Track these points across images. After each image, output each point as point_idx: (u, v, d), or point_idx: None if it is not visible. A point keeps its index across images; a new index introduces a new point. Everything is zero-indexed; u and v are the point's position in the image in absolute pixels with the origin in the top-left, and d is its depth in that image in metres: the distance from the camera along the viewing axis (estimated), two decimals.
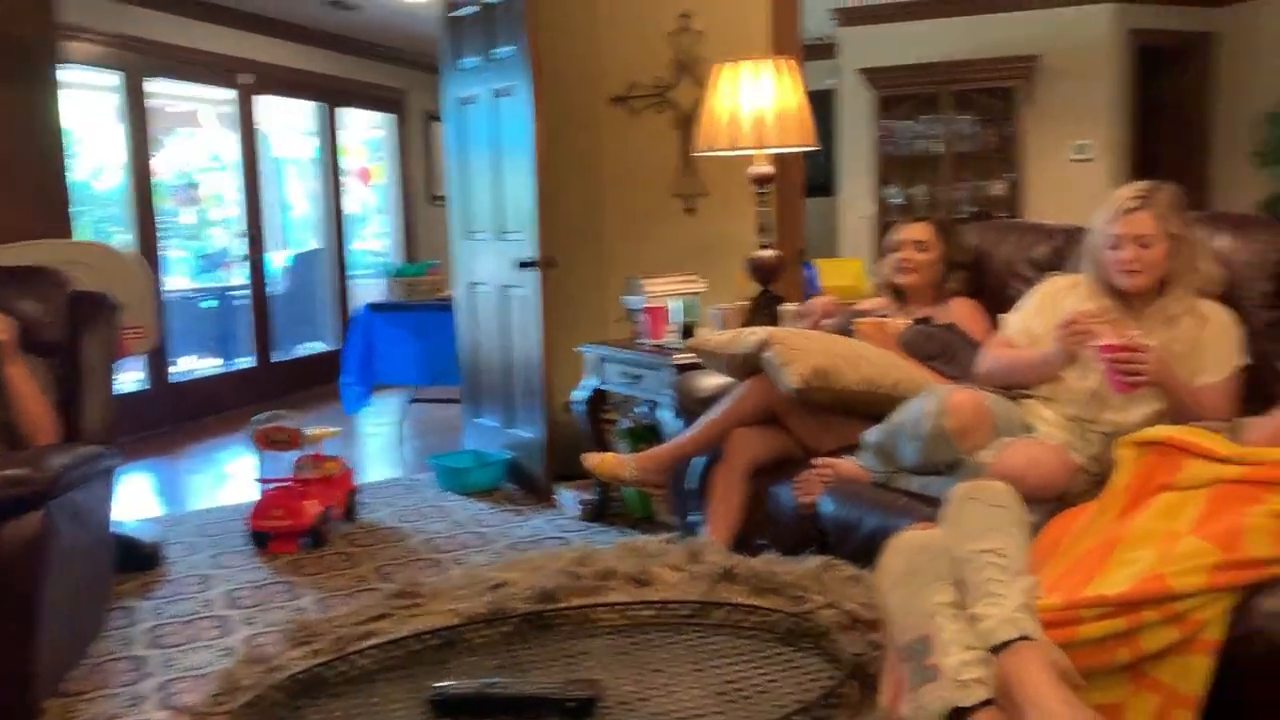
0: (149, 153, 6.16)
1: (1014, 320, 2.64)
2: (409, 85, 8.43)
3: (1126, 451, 1.98)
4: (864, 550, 1.81)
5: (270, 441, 3.83)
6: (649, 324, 3.79)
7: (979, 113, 7.19)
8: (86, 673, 2.77)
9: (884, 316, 3.03)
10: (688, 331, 3.59)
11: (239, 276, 7.15)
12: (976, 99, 7.16)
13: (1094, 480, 2.16)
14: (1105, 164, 6.87)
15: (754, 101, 3.45)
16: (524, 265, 4.13)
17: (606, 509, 4.00)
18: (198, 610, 3.23)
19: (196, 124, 7.39)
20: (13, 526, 2.29)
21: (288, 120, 7.83)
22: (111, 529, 3.03)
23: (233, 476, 5.05)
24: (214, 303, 7.34)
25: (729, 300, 3.78)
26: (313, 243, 7.99)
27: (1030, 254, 2.94)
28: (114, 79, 5.98)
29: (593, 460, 3.03)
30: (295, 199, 8.26)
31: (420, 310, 5.52)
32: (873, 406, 2.61)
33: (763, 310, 3.60)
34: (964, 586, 1.33)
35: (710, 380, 3.07)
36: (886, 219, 6.85)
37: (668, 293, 3.84)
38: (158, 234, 6.26)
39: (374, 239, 8.95)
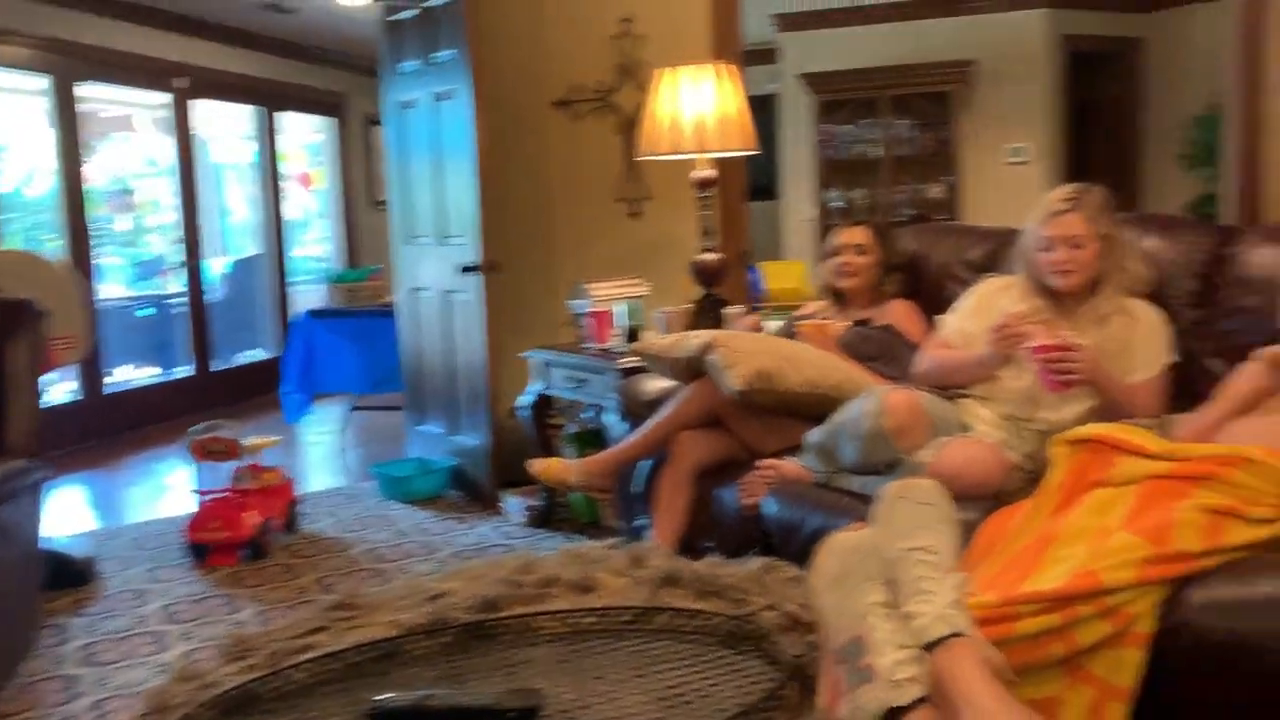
0: (81, 158, 6.02)
1: (950, 321, 2.68)
2: (349, 89, 8.34)
3: (1060, 449, 2.02)
4: (807, 550, 1.82)
5: (207, 452, 3.76)
6: (594, 328, 3.78)
7: (917, 117, 7.28)
8: (16, 693, 2.69)
9: (825, 319, 3.06)
10: (632, 335, 3.59)
11: (176, 284, 7.02)
12: (915, 103, 7.26)
13: (1029, 478, 2.20)
14: (1040, 167, 7.00)
15: (695, 106, 3.47)
16: (466, 270, 4.10)
17: (553, 515, 3.98)
18: (132, 626, 3.16)
19: (131, 129, 7.23)
20: None
21: (227, 125, 7.70)
22: (41, 545, 2.95)
23: (171, 488, 4.95)
24: (151, 311, 7.19)
25: (674, 303, 3.79)
26: (252, 249, 7.87)
27: (966, 256, 2.98)
28: (43, 83, 5.84)
29: (538, 466, 3.02)
30: (235, 204, 8.12)
31: (362, 316, 5.46)
32: (815, 408, 2.63)
33: (706, 313, 3.61)
34: (896, 585, 1.34)
35: (655, 384, 3.07)
36: (828, 222, 6.90)
37: (612, 296, 3.83)
38: (91, 241, 6.11)
39: (315, 244, 8.83)
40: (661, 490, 2.82)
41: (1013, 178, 6.97)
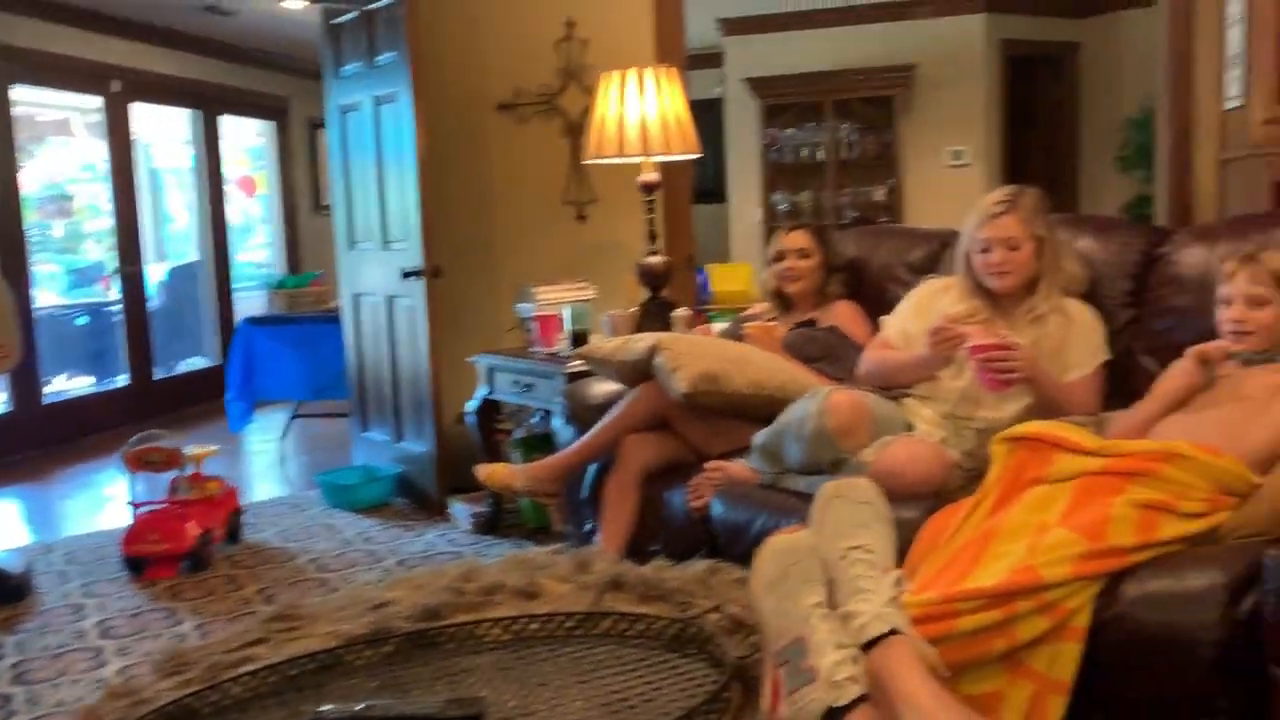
0: (16, 163, 5.87)
1: (892, 322, 2.71)
2: (291, 92, 8.23)
3: (999, 447, 2.05)
4: (754, 551, 1.83)
5: (145, 462, 3.68)
6: (541, 332, 3.77)
7: (860, 121, 7.36)
8: None
9: (769, 320, 3.08)
10: (579, 339, 3.58)
11: (116, 291, 6.87)
12: (857, 107, 7.33)
13: (970, 476, 2.23)
14: (979, 169, 7.11)
15: (639, 110, 3.48)
16: (409, 275, 4.07)
17: (501, 521, 3.96)
18: (68, 643, 3.08)
19: (70, 133, 7.08)
20: None
21: (167, 129, 7.56)
22: None
23: (109, 500, 4.84)
24: (87, 319, 7.03)
25: (621, 307, 3.79)
26: (194, 255, 7.73)
27: (906, 258, 3.02)
28: None
29: (483, 472, 2.99)
30: (176, 210, 7.98)
31: (304, 323, 5.39)
32: (761, 409, 2.64)
33: (653, 316, 3.62)
34: (834, 585, 1.35)
35: (602, 388, 3.06)
36: (773, 225, 6.95)
37: (559, 300, 3.82)
38: (27, 248, 5.96)
39: (258, 250, 8.71)
40: (608, 494, 2.81)
41: (953, 180, 7.07)
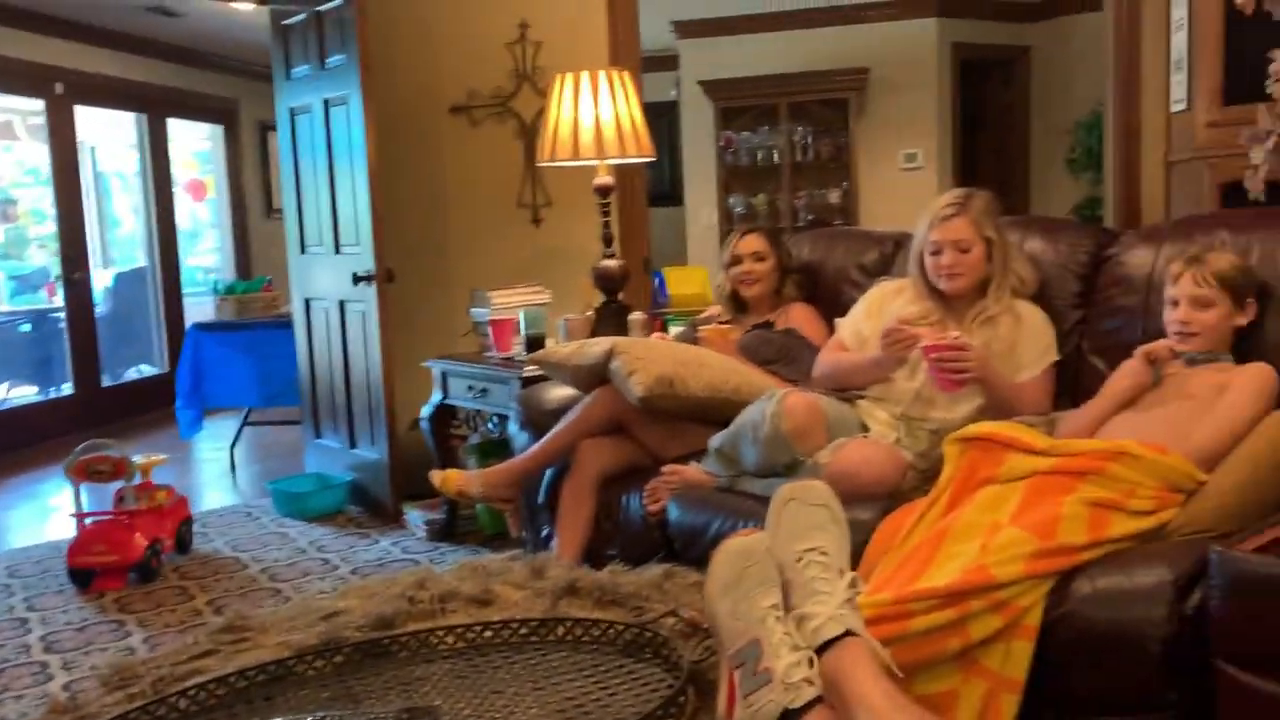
0: None
1: (846, 325, 2.73)
2: (241, 94, 8.12)
3: (951, 448, 2.07)
4: (710, 555, 1.82)
5: (91, 472, 3.60)
6: (495, 336, 3.74)
7: (815, 124, 7.40)
8: None
9: (725, 323, 3.09)
10: (534, 343, 3.56)
11: (61, 298, 6.73)
12: (812, 110, 7.38)
13: (923, 476, 2.25)
14: (933, 172, 7.18)
15: (593, 113, 3.47)
16: (361, 279, 4.02)
17: (456, 528, 3.92)
18: (11, 658, 3.00)
19: (12, 136, 6.93)
20: None
21: (112, 132, 7.43)
22: None
23: (55, 511, 4.74)
24: (31, 326, 6.88)
25: (577, 310, 3.78)
26: (142, 260, 7.60)
27: (860, 260, 3.04)
28: None
29: (437, 477, 2.96)
30: (123, 214, 7.84)
31: (254, 329, 5.31)
32: (717, 412, 2.64)
33: (609, 320, 3.61)
34: (790, 588, 1.35)
35: (557, 392, 3.05)
36: (729, 228, 6.97)
37: (514, 304, 3.80)
38: None
39: (208, 255, 8.58)
40: (565, 499, 2.80)
41: (907, 183, 7.14)
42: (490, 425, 3.98)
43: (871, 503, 2.14)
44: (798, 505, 1.42)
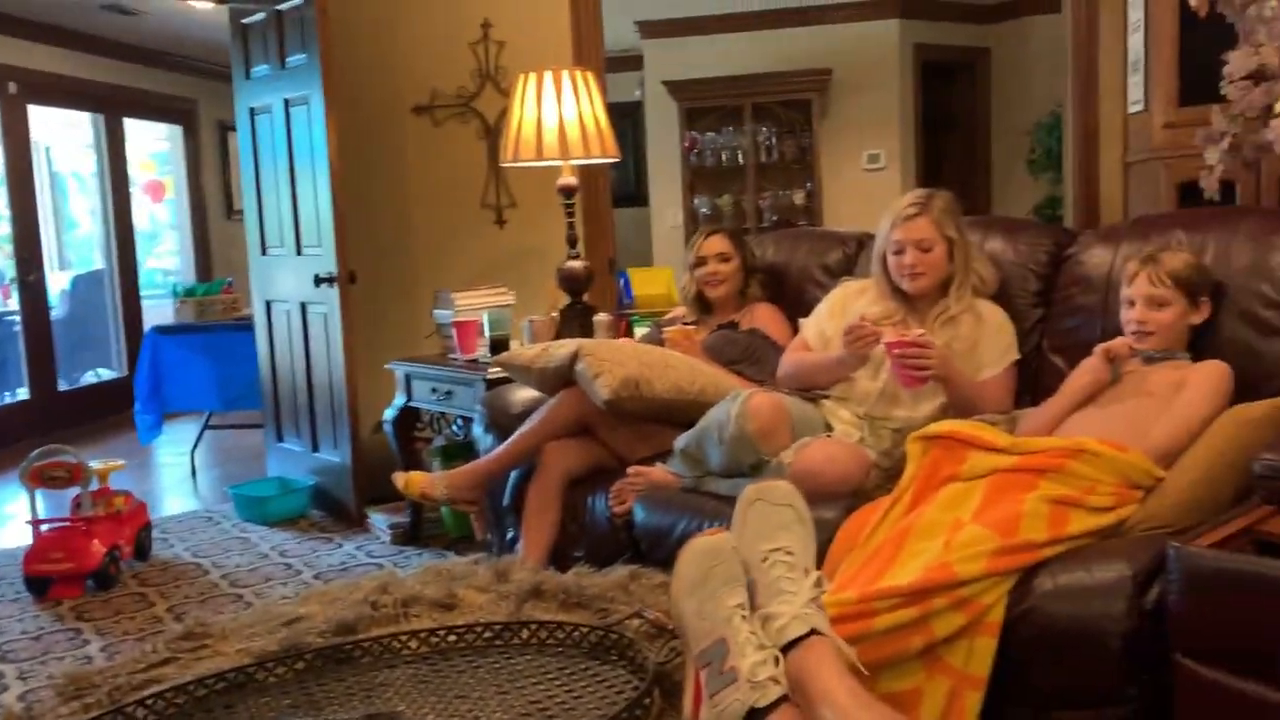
0: None
1: (810, 325, 2.74)
2: (200, 94, 8.02)
3: (914, 446, 2.08)
4: (676, 556, 1.82)
5: (46, 479, 3.54)
6: (459, 338, 3.71)
7: (778, 124, 7.43)
8: None
9: (689, 324, 3.09)
10: (498, 345, 3.54)
11: (16, 300, 6.60)
12: (776, 111, 7.40)
13: (887, 475, 2.26)
14: (896, 172, 7.23)
15: (556, 113, 3.45)
16: (322, 281, 3.99)
17: (421, 531, 3.90)
18: None
19: None
20: None
21: (68, 132, 7.30)
22: None
23: (10, 519, 4.65)
24: None
25: (541, 312, 3.76)
26: (99, 262, 7.48)
27: (824, 260, 3.05)
28: None
29: (401, 479, 2.94)
30: (79, 216, 7.71)
31: (215, 331, 5.25)
32: (683, 414, 2.64)
33: (573, 321, 3.60)
34: (755, 587, 1.35)
35: (522, 394, 3.03)
36: (695, 228, 6.97)
37: (478, 306, 3.77)
38: None
39: (167, 257, 8.46)
40: (530, 502, 2.79)
41: (870, 183, 7.18)
42: (455, 428, 3.96)
43: (835, 502, 2.15)
44: (763, 505, 1.42)
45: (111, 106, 7.23)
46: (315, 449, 4.31)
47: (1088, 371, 2.24)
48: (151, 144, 8.20)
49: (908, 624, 1.71)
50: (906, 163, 7.31)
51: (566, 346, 2.79)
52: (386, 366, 3.93)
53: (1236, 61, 2.41)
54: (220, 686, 1.54)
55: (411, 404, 3.86)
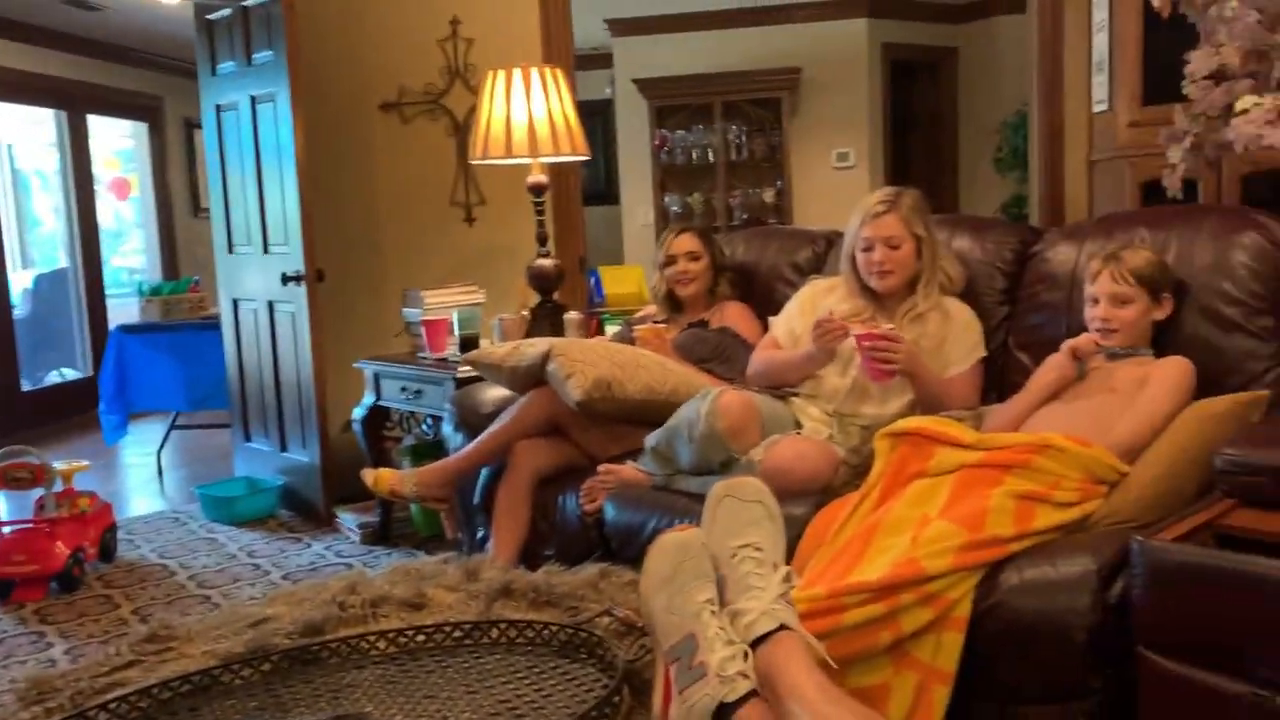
0: None
1: (780, 323, 2.75)
2: (165, 91, 7.93)
3: (882, 443, 2.09)
4: (647, 553, 1.83)
5: (9, 480, 3.49)
6: (429, 337, 3.69)
7: (748, 123, 7.45)
8: None
9: (660, 323, 3.09)
10: (468, 344, 3.52)
11: None
12: (746, 109, 7.42)
13: (855, 472, 2.27)
14: (865, 171, 7.27)
15: (525, 110, 3.44)
16: (290, 279, 3.95)
17: (391, 531, 3.87)
18: None
19: None
20: None
21: (32, 130, 7.20)
22: None
23: None
24: None
25: (512, 310, 3.75)
26: (63, 261, 7.38)
27: (794, 259, 3.06)
28: None
29: (370, 477, 2.92)
30: (43, 214, 7.61)
31: (181, 330, 5.19)
32: (654, 414, 2.63)
33: (544, 320, 3.59)
34: (724, 583, 1.36)
35: (492, 393, 3.02)
36: (665, 226, 6.98)
37: (448, 304, 3.76)
38: None
39: (133, 255, 8.36)
40: (500, 501, 2.78)
41: (839, 182, 7.21)
42: (424, 427, 3.94)
43: (805, 498, 2.16)
44: (733, 501, 1.43)
45: (75, 103, 7.12)
46: (283, 448, 4.28)
47: (1053, 368, 2.26)
48: (116, 141, 8.10)
49: (876, 619, 1.72)
50: (875, 161, 7.34)
51: (538, 346, 2.79)
52: (355, 365, 3.90)
53: (1198, 61, 2.45)
54: (185, 689, 1.52)
55: (381, 403, 3.84)
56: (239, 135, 4.30)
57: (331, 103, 4.26)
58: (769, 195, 7.42)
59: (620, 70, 7.61)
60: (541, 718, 1.37)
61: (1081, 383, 2.24)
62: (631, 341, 2.98)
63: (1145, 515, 1.88)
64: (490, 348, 3.03)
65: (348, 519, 3.95)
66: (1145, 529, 1.76)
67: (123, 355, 5.15)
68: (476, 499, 2.90)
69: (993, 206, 7.32)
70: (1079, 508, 1.92)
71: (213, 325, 4.77)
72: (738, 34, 7.31)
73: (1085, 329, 2.29)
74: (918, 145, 7.96)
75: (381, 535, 3.84)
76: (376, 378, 3.81)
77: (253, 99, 4.16)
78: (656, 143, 7.46)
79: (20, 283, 6.95)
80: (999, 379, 2.52)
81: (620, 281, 5.82)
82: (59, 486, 3.57)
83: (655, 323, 3.09)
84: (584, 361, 2.66)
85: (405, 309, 3.88)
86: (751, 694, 1.26)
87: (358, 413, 3.88)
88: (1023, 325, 2.56)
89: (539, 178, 3.59)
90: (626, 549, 2.39)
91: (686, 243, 3.08)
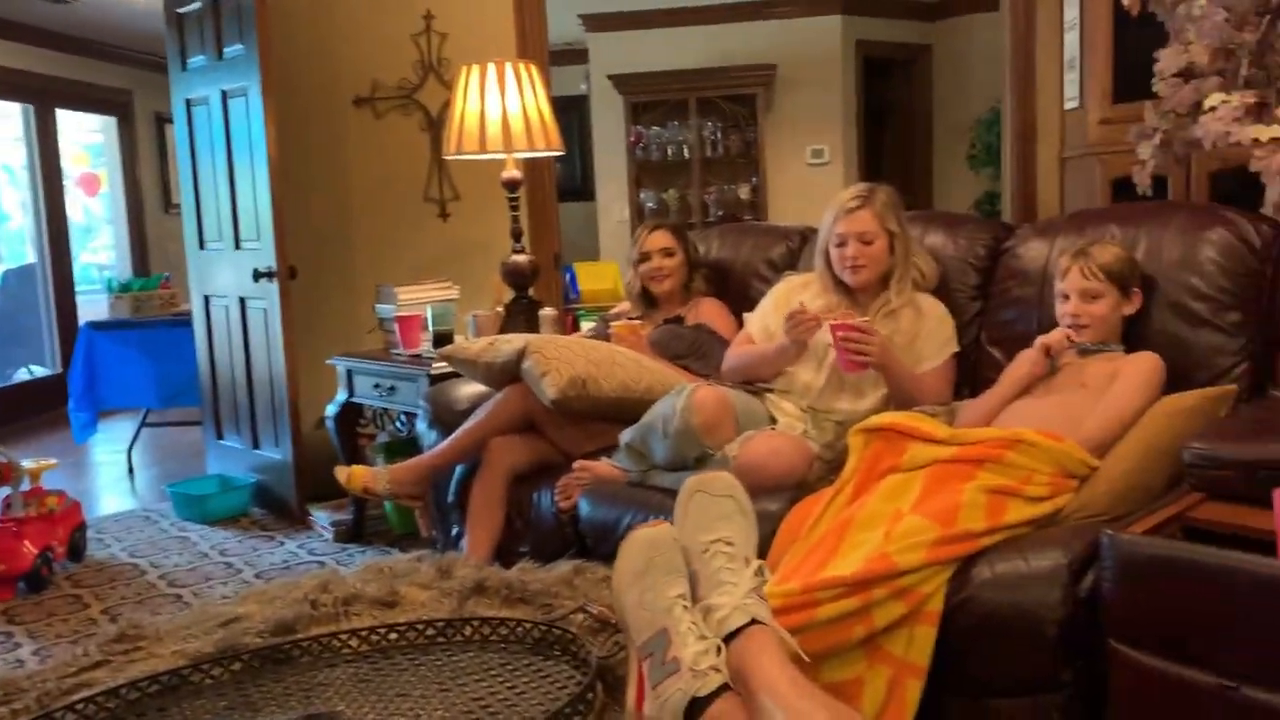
0: None
1: (754, 319, 2.75)
2: (135, 85, 7.84)
3: (856, 438, 2.10)
4: (619, 549, 1.82)
5: None
6: (402, 333, 3.67)
7: (723, 119, 7.45)
8: None
9: (635, 319, 3.08)
10: (441, 340, 3.50)
11: None
12: (721, 105, 7.43)
13: (829, 467, 2.28)
14: (839, 168, 7.29)
15: (500, 105, 3.43)
16: (261, 276, 3.92)
17: (364, 529, 3.85)
18: None
19: None
20: None
21: (0, 124, 7.10)
22: None
23: None
24: None
25: (486, 306, 3.74)
26: (31, 257, 7.29)
27: (768, 255, 3.07)
28: None
29: (343, 474, 2.90)
30: (10, 209, 7.51)
31: (152, 327, 5.14)
32: (629, 411, 2.63)
33: (519, 316, 3.58)
34: (697, 579, 1.36)
35: (466, 390, 3.01)
36: (641, 223, 6.97)
37: (421, 300, 3.73)
38: None
39: (102, 251, 8.27)
40: (475, 498, 2.77)
41: (814, 178, 7.23)
42: (398, 424, 3.92)
43: (779, 494, 2.17)
44: (704, 496, 1.43)
45: (43, 97, 7.03)
46: (256, 446, 4.24)
47: (1025, 363, 2.27)
48: (85, 136, 8.00)
49: (849, 614, 1.73)
50: (849, 158, 7.37)
51: (514, 342, 2.77)
52: (328, 362, 3.88)
53: (1167, 59, 2.47)
54: (154, 689, 1.50)
55: (354, 400, 3.81)
56: (210, 130, 4.25)
57: (303, 97, 4.23)
58: (744, 191, 7.43)
59: (595, 66, 7.60)
60: (515, 715, 1.36)
61: (1053, 378, 2.25)
62: (607, 338, 2.98)
63: (1115, 509, 1.90)
64: (466, 343, 3.02)
65: (321, 517, 3.92)
66: (1115, 523, 1.77)
67: (92, 352, 5.09)
68: (451, 496, 2.89)
69: (966, 203, 7.36)
70: (1050, 502, 1.93)
71: (184, 322, 4.73)
72: (713, 30, 7.31)
73: (1056, 324, 2.30)
74: (892, 142, 7.99)
75: (355, 533, 3.82)
76: (349, 374, 3.78)
77: (224, 93, 4.12)
78: (632, 139, 7.46)
79: None
80: (971, 374, 2.54)
81: (595, 278, 5.81)
82: (26, 485, 3.52)
83: (630, 319, 3.08)
84: (559, 359, 2.65)
85: (378, 305, 3.86)
86: (724, 688, 1.26)
87: (330, 410, 3.85)
88: (995, 321, 2.58)
89: (513, 173, 3.58)
90: (601, 545, 2.39)
91: (660, 239, 3.07)
